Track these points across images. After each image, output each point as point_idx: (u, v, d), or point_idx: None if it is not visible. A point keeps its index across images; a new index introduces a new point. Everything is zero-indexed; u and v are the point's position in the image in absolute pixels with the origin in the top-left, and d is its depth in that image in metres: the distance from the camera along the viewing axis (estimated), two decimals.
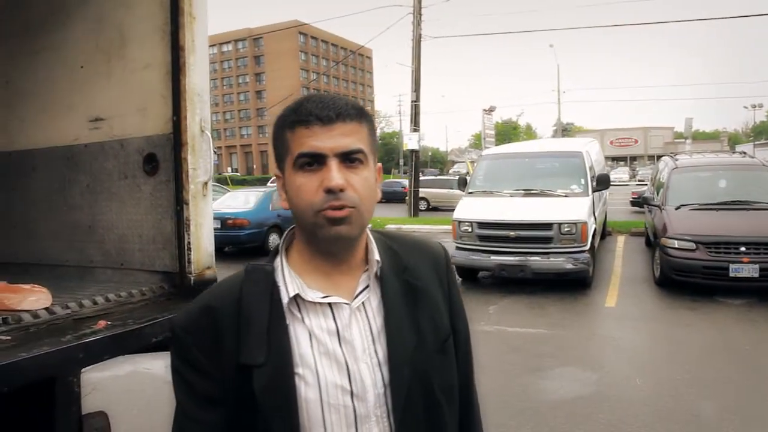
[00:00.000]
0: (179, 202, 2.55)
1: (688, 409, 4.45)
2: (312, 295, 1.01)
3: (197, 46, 2.55)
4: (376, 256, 1.06)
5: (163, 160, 2.60)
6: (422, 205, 22.42)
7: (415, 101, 19.19)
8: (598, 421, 4.30)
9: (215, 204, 13.00)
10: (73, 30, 2.86)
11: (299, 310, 1.01)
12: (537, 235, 8.05)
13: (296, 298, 1.00)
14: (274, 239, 12.36)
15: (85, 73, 2.84)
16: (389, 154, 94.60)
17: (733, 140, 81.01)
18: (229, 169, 79.68)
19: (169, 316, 2.25)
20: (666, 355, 5.84)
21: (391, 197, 29.81)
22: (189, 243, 2.55)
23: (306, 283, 1.02)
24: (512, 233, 8.11)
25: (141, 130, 2.68)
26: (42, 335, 1.95)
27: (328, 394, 0.97)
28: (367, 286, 1.05)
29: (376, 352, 1.01)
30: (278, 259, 1.06)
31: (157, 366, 2.19)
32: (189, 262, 2.55)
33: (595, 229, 8.78)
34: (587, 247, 8.01)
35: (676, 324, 6.79)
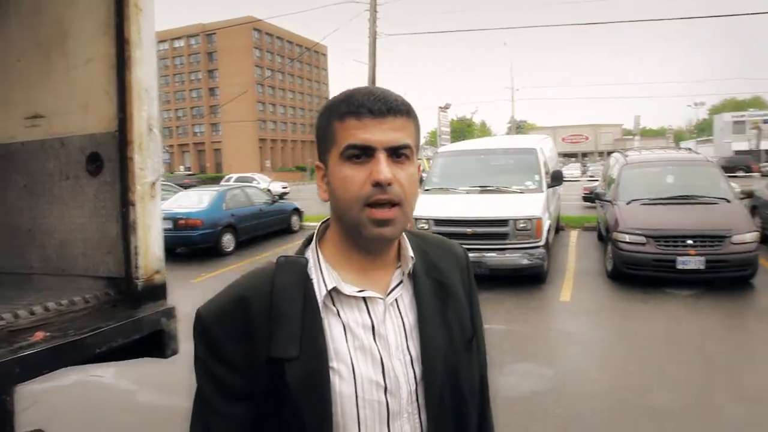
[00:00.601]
0: (125, 203, 2.42)
1: (644, 400, 4.54)
2: (348, 288, 1.00)
3: (144, 39, 2.42)
4: (411, 252, 1.06)
5: (108, 159, 2.47)
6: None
7: None
8: (555, 416, 4.34)
9: (166, 204, 12.65)
10: (8, 23, 2.68)
11: (334, 304, 1.00)
12: (493, 231, 8.11)
13: (331, 292, 0.99)
14: (228, 239, 12.12)
15: (22, 67, 2.67)
16: None
17: (678, 137, 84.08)
18: (182, 167, 77.89)
19: (115, 325, 2.14)
20: (621, 347, 5.97)
21: None
22: (136, 247, 2.42)
23: (341, 276, 1.01)
24: (469, 230, 8.15)
25: (84, 128, 2.54)
26: None
27: (363, 390, 0.96)
28: (401, 282, 1.05)
29: (408, 348, 1.01)
30: (310, 252, 1.05)
31: (108, 374, 2.06)
32: (136, 266, 2.42)
33: (549, 225, 8.91)
34: (542, 243, 8.12)
35: (629, 316, 6.96)
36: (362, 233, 0.97)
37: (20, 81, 2.68)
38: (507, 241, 8.05)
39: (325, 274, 1.01)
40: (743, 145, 51.61)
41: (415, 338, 1.01)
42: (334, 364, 0.96)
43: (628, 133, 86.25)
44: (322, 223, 1.10)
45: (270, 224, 13.92)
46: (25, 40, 2.63)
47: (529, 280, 8.36)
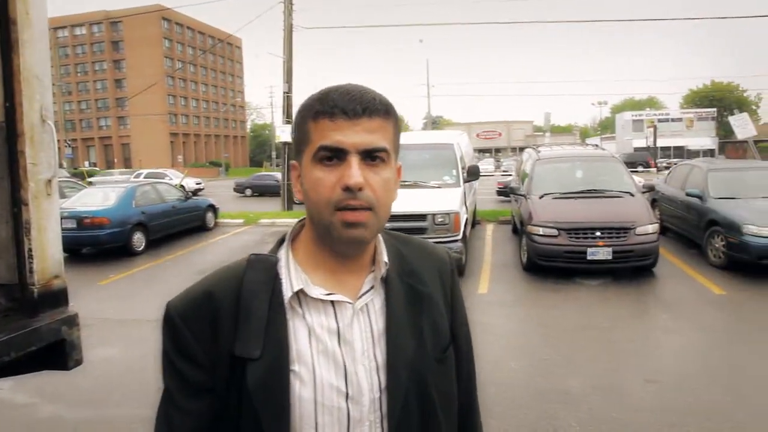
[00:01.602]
0: (16, 203, 2.20)
1: (560, 387, 4.70)
2: (316, 291, 0.98)
3: (33, 19, 2.20)
4: (385, 257, 1.03)
5: None
6: (297, 197, 22.08)
7: (287, 93, 18.79)
8: None
9: (70, 201, 11.86)
10: None
11: (300, 306, 0.98)
12: (412, 225, 8.15)
13: (299, 293, 0.97)
14: (138, 238, 11.52)
15: None
16: (261, 147, 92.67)
17: (584, 134, 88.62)
18: (87, 163, 73.63)
19: (6, 337, 1.93)
20: (537, 337, 6.16)
21: (264, 191, 29.15)
22: (30, 250, 2.20)
23: (310, 278, 0.99)
24: (387, 224, 8.14)
25: None
26: None
27: (323, 395, 0.94)
28: (372, 287, 1.03)
29: (375, 355, 0.99)
30: (283, 251, 1.03)
31: (2, 386, 1.86)
32: (31, 272, 2.21)
33: (467, 219, 9.08)
34: (460, 236, 8.27)
35: (544, 306, 7.21)
36: (333, 235, 0.95)
37: None
38: (426, 236, 8.11)
39: (293, 275, 0.99)
40: (642, 143, 55.07)
41: (383, 345, 0.99)
42: (295, 367, 0.94)
43: (538, 130, 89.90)
44: (298, 222, 1.08)
45: (184, 222, 13.38)
46: None
47: None
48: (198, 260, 10.78)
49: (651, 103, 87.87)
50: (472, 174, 9.38)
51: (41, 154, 2.23)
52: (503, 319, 6.89)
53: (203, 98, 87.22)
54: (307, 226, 1.04)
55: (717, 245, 8.57)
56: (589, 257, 7.88)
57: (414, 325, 1.02)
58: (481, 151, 73.25)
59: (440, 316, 1.08)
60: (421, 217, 8.13)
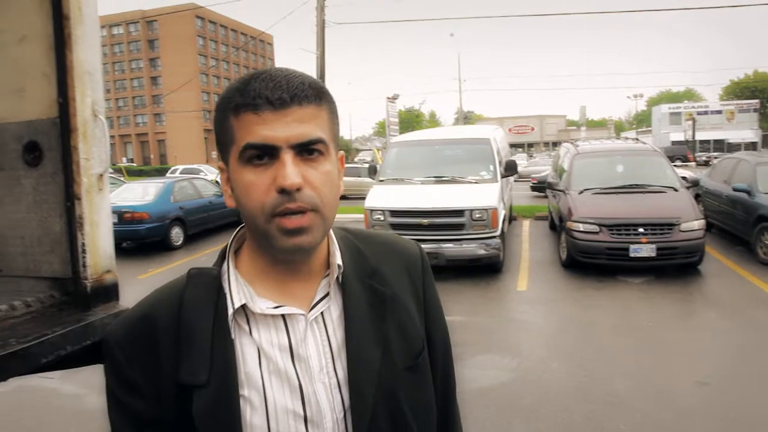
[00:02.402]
0: (70, 197, 2.20)
1: (604, 388, 4.58)
2: (262, 305, 0.87)
3: (85, 15, 2.20)
4: (338, 259, 0.92)
5: (49, 149, 2.23)
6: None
7: None
8: (520, 407, 4.32)
9: (111, 196, 12.08)
10: None
11: (247, 322, 0.87)
12: (449, 222, 8.07)
13: (244, 309, 0.87)
14: (176, 233, 11.69)
15: None
16: None
17: (618, 128, 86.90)
18: (124, 159, 75.28)
19: (63, 330, 1.93)
20: (578, 336, 6.02)
21: None
22: (83, 244, 2.20)
23: (256, 290, 0.88)
24: (425, 221, 8.09)
25: (19, 114, 2.29)
26: None
27: (277, 421, 0.84)
28: (327, 294, 0.91)
29: (335, 370, 0.88)
30: (225, 263, 0.92)
31: (52, 377, 1.85)
32: (84, 266, 2.21)
33: (504, 215, 8.95)
34: (498, 233, 8.15)
35: (585, 305, 7.05)
36: (273, 245, 0.84)
37: None
38: (463, 232, 8.03)
39: (234, 289, 0.88)
40: (680, 136, 53.73)
41: (344, 359, 0.88)
42: (245, 391, 0.84)
43: (571, 124, 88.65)
44: (240, 228, 0.95)
45: (220, 217, 13.52)
46: None
47: (485, 270, 8.38)
48: None
49: (689, 95, 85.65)
50: (510, 169, 9.23)
51: (93, 149, 2.23)
52: (544, 317, 6.76)
53: None
54: (248, 235, 0.93)
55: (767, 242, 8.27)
56: (631, 254, 7.68)
57: (378, 332, 0.91)
58: (513, 146, 72.42)
59: (409, 318, 0.96)
60: (459, 213, 8.03)
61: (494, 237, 8.09)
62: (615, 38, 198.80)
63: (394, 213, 8.33)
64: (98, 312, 2.16)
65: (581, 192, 8.83)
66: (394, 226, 8.27)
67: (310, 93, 0.83)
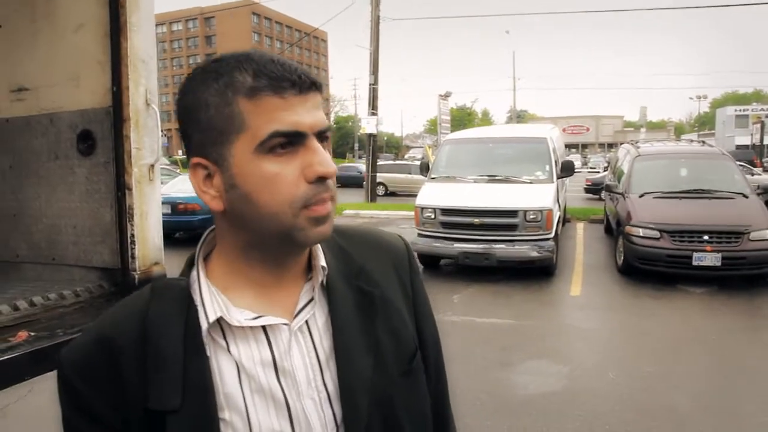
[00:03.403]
0: (120, 187, 2.17)
1: (664, 403, 4.32)
2: (239, 316, 0.77)
3: (141, 3, 2.16)
4: (322, 261, 0.83)
5: (101, 138, 2.22)
6: (380, 190, 22.17)
7: (373, 84, 18.79)
8: (573, 417, 4.13)
9: (165, 188, 12.37)
10: None
11: (224, 337, 0.77)
12: (502, 222, 7.87)
13: (219, 322, 0.76)
14: None
15: (5, 33, 2.41)
16: (344, 138, 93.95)
17: (679, 130, 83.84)
18: (180, 152, 77.44)
19: None
20: (635, 346, 5.75)
21: (347, 182, 29.44)
22: (132, 235, 2.18)
23: (232, 300, 0.78)
24: (476, 220, 7.91)
25: (74, 103, 2.28)
26: None
27: None
28: (311, 300, 0.82)
29: (324, 383, 0.79)
30: (195, 272, 0.81)
31: None
32: (132, 257, 2.18)
33: (559, 217, 8.68)
34: (552, 235, 7.89)
35: (642, 314, 6.73)
36: (298, 240, 0.76)
37: (4, 49, 2.41)
38: (516, 233, 7.82)
39: (206, 301, 0.77)
40: (746, 140, 51.32)
41: (333, 369, 0.80)
42: (225, 414, 0.75)
43: (628, 125, 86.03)
44: (208, 232, 0.86)
45: None
46: (7, 3, 2.36)
47: (537, 273, 8.14)
48: None
49: (757, 96, 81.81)
50: (566, 170, 8.93)
51: (145, 138, 2.20)
52: (598, 324, 6.49)
53: None
54: (225, 237, 0.81)
55: None
56: (694, 263, 7.28)
57: (368, 337, 0.83)
58: (567, 146, 70.75)
59: (400, 319, 0.88)
60: (512, 213, 7.81)
61: (548, 239, 7.84)
62: (677, 36, 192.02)
63: (446, 211, 8.17)
64: None
65: (641, 195, 8.45)
66: (445, 225, 8.12)
67: (318, 81, 0.77)
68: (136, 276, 2.19)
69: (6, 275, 2.44)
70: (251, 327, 0.77)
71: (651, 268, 7.67)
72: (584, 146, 77.83)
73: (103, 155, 2.22)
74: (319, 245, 0.84)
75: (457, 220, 8.06)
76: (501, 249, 7.80)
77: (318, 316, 0.82)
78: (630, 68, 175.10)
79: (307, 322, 0.81)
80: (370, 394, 0.80)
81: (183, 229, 11.48)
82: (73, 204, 2.32)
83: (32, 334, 1.75)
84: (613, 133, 77.78)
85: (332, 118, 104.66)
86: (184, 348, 0.75)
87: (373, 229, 1.00)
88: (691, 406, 4.28)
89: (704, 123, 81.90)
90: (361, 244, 0.92)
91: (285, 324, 0.78)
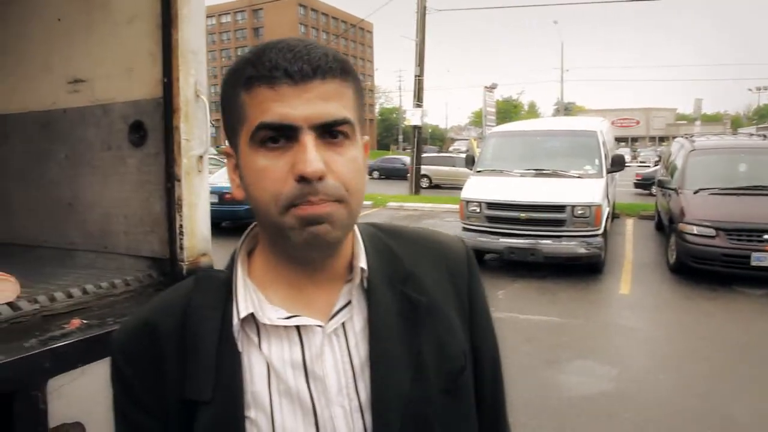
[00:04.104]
0: (170, 178, 2.19)
1: (719, 410, 4.15)
2: (272, 314, 0.75)
3: None
4: (362, 262, 0.78)
5: (152, 128, 2.24)
6: (424, 182, 22.07)
7: (418, 76, 18.68)
8: (622, 420, 4.01)
9: (213, 177, 12.60)
10: None
11: (257, 334, 0.75)
12: (549, 217, 7.71)
13: (253, 318, 0.75)
14: None
15: (62, 27, 2.46)
16: (388, 130, 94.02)
17: (735, 123, 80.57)
18: (227, 142, 79.12)
19: None
20: (687, 348, 5.54)
21: (391, 174, 29.45)
22: (181, 226, 2.19)
23: (268, 297, 0.77)
24: (523, 215, 7.76)
25: (127, 94, 2.31)
26: (1, 338, 1.61)
27: None
28: (349, 302, 0.78)
29: (357, 391, 0.75)
30: (235, 265, 0.80)
31: None
32: (181, 247, 2.20)
33: (608, 213, 8.44)
34: (601, 231, 7.68)
35: (696, 314, 6.49)
36: (290, 238, 0.71)
37: (61, 42, 2.46)
38: (563, 228, 7.64)
39: (240, 296, 0.76)
40: None
41: (367, 377, 0.75)
42: (251, 413, 0.73)
43: (681, 118, 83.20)
44: (253, 226, 0.83)
45: None
46: None
47: (585, 269, 7.94)
48: None
49: None
50: (617, 164, 8.67)
51: (194, 130, 2.20)
52: (648, 324, 6.29)
53: None
54: (261, 232, 0.80)
55: None
56: (753, 263, 6.96)
57: (409, 348, 0.77)
58: (616, 140, 69.00)
59: (449, 331, 0.81)
60: (560, 208, 7.63)
61: (596, 235, 7.63)
62: (734, 24, 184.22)
63: (491, 205, 8.05)
64: None
65: (696, 191, 8.13)
66: (491, 219, 8.01)
67: (335, 66, 0.71)
68: (184, 266, 2.20)
69: (61, 262, 2.50)
70: (285, 326, 0.75)
71: (705, 267, 7.38)
72: (634, 140, 75.69)
73: (153, 146, 2.24)
74: (361, 244, 0.80)
75: (503, 215, 7.93)
76: (547, 244, 7.64)
77: (356, 320, 0.78)
78: (684, 58, 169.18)
79: (344, 325, 0.77)
80: (404, 408, 0.75)
81: (229, 219, 11.68)
82: (125, 194, 2.36)
83: (84, 321, 1.77)
84: (665, 126, 75.41)
85: (377, 110, 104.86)
86: (219, 341, 0.74)
87: (429, 230, 0.93)
88: (750, 415, 4.09)
89: (764, 116, 78.44)
90: (414, 246, 0.86)
91: (319, 326, 0.75)
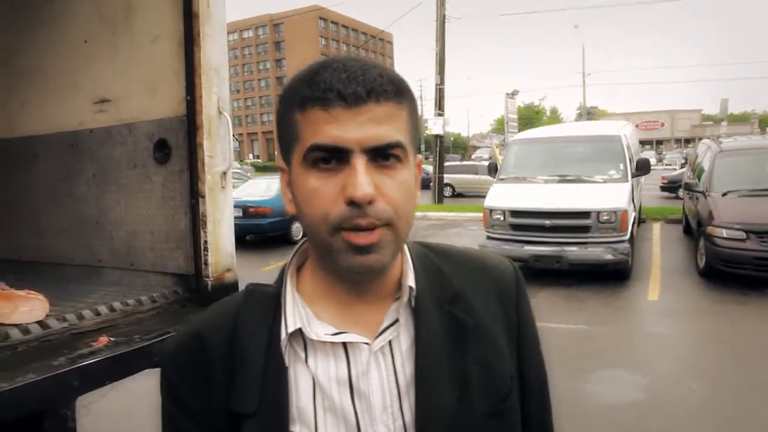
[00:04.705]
0: (194, 194, 2.22)
1: (756, 419, 4.03)
2: (319, 330, 0.75)
3: (213, 13, 2.20)
4: (410, 280, 0.78)
5: (176, 146, 2.28)
6: (447, 191, 22.00)
7: (439, 85, 18.69)
8: (654, 430, 3.92)
9: (236, 191, 12.72)
10: None
11: (304, 349, 0.76)
12: (574, 223, 7.62)
13: (301, 333, 0.76)
14: (297, 228, 12.06)
15: (89, 48, 2.52)
16: None
17: (764, 123, 78.88)
18: (251, 155, 79.86)
19: None
20: (720, 355, 5.41)
21: None
22: (206, 242, 2.22)
23: (316, 313, 0.77)
24: (547, 222, 7.69)
25: (151, 113, 2.36)
26: (31, 357, 1.64)
27: None
28: (396, 321, 0.78)
29: (402, 410, 0.75)
30: (284, 280, 0.82)
31: None
32: (206, 263, 2.23)
33: (634, 217, 8.32)
34: (627, 237, 7.57)
35: (727, 320, 6.34)
36: (338, 263, 0.72)
37: (88, 63, 2.52)
38: (589, 235, 7.54)
39: (288, 311, 0.77)
40: None
41: (413, 397, 0.75)
42: (296, 427, 0.74)
43: (707, 119, 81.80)
44: (304, 242, 0.84)
45: None
46: (90, 17, 2.46)
47: (611, 276, 7.82)
48: None
49: None
50: (641, 168, 8.55)
51: (218, 146, 2.23)
52: (679, 331, 6.16)
53: None
54: (311, 248, 0.81)
55: None
56: None
57: (456, 369, 0.77)
58: (641, 143, 68.09)
59: (496, 354, 0.81)
60: (585, 214, 7.54)
61: (623, 241, 7.52)
62: (758, 21, 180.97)
63: (515, 213, 7.99)
64: None
65: (725, 194, 7.96)
66: (515, 227, 7.94)
67: (390, 88, 0.70)
68: (209, 282, 2.22)
69: (88, 279, 2.55)
70: (331, 343, 0.75)
71: (736, 271, 7.21)
72: (659, 142, 74.56)
73: (178, 163, 2.27)
74: (410, 262, 0.80)
75: (527, 222, 7.87)
76: (573, 252, 7.55)
77: (403, 339, 0.78)
78: (707, 58, 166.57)
79: (390, 343, 0.77)
80: (449, 429, 0.75)
81: (253, 232, 11.78)
82: (150, 211, 2.39)
83: (112, 339, 1.80)
84: (690, 128, 74.17)
85: None
86: (266, 354, 0.75)
87: (479, 251, 0.94)
88: None
89: None
90: (463, 266, 0.86)
91: (366, 343, 0.75)
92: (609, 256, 7.45)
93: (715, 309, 6.77)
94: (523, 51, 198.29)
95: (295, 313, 0.77)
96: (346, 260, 0.71)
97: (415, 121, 0.76)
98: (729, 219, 7.38)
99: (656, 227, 12.13)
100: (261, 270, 9.56)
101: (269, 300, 0.79)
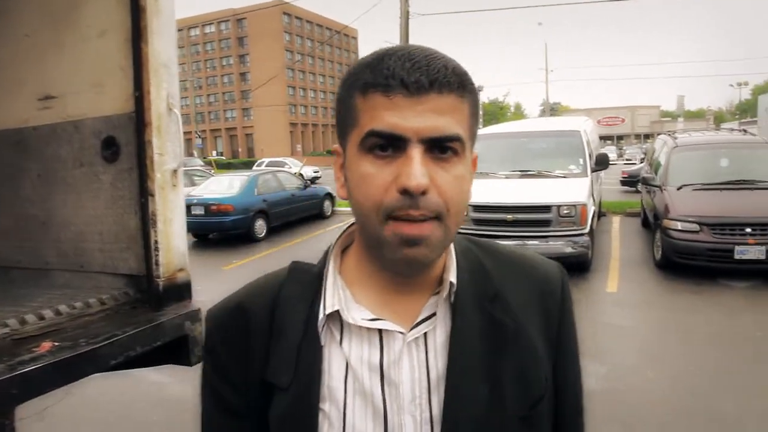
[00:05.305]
0: (144, 193, 2.16)
1: (708, 406, 4.16)
2: (356, 314, 0.76)
3: (161, 7, 2.14)
4: (452, 276, 0.78)
5: (125, 144, 2.21)
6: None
7: None
8: (613, 419, 4.00)
9: (199, 189, 12.52)
10: None
11: (340, 331, 0.77)
12: (535, 218, 7.72)
13: (338, 315, 0.76)
14: (260, 225, 11.94)
15: (30, 43, 2.43)
16: None
17: (719, 119, 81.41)
18: (214, 152, 78.60)
19: (132, 331, 1.89)
20: (676, 344, 5.57)
21: None
22: (156, 241, 2.16)
23: (355, 296, 0.78)
24: (509, 216, 7.77)
25: (98, 110, 2.28)
26: None
27: None
28: (434, 314, 0.78)
29: (430, 404, 0.75)
30: (327, 261, 0.83)
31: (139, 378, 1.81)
32: (157, 263, 2.17)
33: (594, 211, 8.48)
34: (587, 230, 7.71)
35: (683, 309, 6.52)
36: (384, 252, 0.72)
37: (30, 58, 2.43)
38: (550, 228, 7.66)
39: (329, 293, 0.78)
40: None
41: (442, 392, 0.75)
42: (325, 405, 0.76)
43: (665, 115, 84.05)
44: (352, 224, 0.84)
45: (302, 209, 13.72)
46: (33, 12, 2.37)
47: (571, 269, 7.93)
48: (315, 247, 10.95)
49: None
50: (601, 163, 8.71)
51: (168, 144, 2.18)
52: (636, 321, 6.31)
53: (321, 89, 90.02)
54: (358, 232, 0.80)
55: None
56: (737, 256, 7.01)
57: (489, 369, 0.76)
58: (602, 138, 69.45)
59: (532, 357, 0.80)
60: (546, 208, 7.65)
61: (583, 234, 7.65)
62: (715, 21, 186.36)
63: (477, 208, 8.05)
64: (169, 312, 2.11)
65: (680, 188, 8.19)
66: (477, 222, 8.01)
67: (453, 80, 0.69)
68: (161, 283, 2.17)
69: (36, 282, 2.46)
70: (367, 328, 0.76)
71: (690, 262, 7.43)
72: (620, 138, 76.24)
73: (126, 161, 2.21)
74: (453, 257, 0.79)
75: (489, 217, 7.94)
76: (534, 245, 7.64)
77: (438, 333, 0.77)
78: (666, 56, 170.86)
79: (425, 336, 0.77)
80: (476, 428, 0.74)
81: (215, 230, 11.60)
82: (99, 211, 2.32)
83: (56, 344, 1.74)
84: (650, 124, 76.04)
85: None
86: (303, 332, 0.77)
87: (528, 252, 0.92)
88: (739, 410, 4.10)
89: (745, 111, 79.31)
90: (508, 266, 0.85)
91: (401, 332, 0.76)
92: (569, 249, 7.58)
93: (670, 299, 6.96)
94: (487, 48, 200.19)
95: (335, 295, 0.77)
96: (393, 252, 0.70)
97: (476, 116, 0.75)
98: (683, 212, 7.59)
99: (616, 220, 12.39)
100: (222, 269, 9.45)
101: (311, 279, 0.81)
